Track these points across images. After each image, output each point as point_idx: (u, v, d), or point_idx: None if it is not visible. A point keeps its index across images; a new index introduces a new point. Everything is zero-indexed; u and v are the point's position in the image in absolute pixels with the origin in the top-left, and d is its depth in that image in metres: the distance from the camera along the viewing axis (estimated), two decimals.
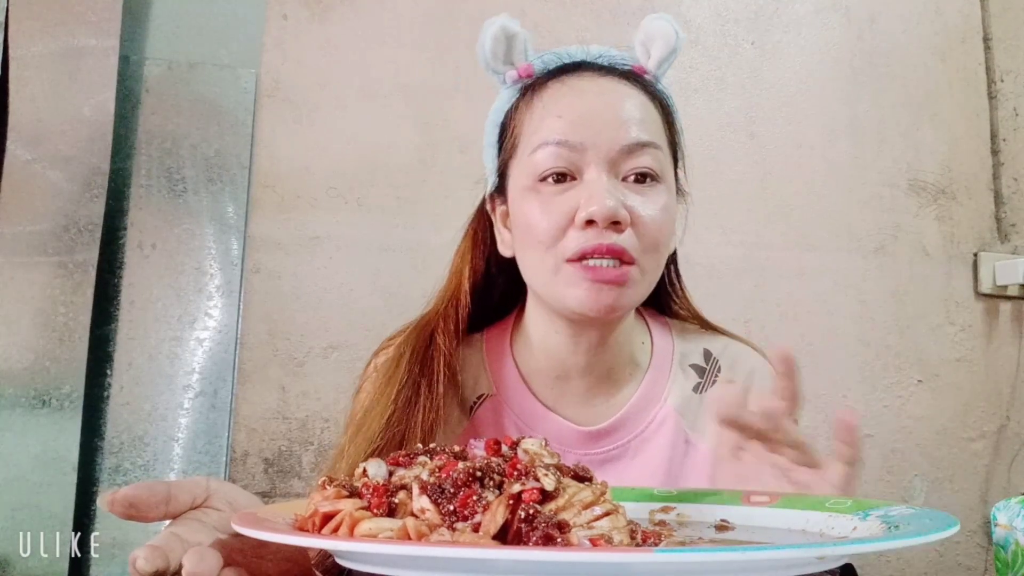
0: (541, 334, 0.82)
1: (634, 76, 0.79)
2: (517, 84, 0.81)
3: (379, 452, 0.72)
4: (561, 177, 0.74)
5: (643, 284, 0.76)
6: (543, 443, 0.49)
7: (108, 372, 1.35)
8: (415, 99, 1.57)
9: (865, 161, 1.79)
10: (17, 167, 1.29)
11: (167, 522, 0.49)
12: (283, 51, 1.53)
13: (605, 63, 0.79)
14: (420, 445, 0.51)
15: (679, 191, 0.82)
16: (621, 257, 0.72)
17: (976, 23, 1.89)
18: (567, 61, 0.80)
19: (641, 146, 0.74)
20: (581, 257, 0.72)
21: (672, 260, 0.88)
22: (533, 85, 0.79)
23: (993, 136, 1.87)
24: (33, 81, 1.31)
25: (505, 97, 0.82)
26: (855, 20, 1.83)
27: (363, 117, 1.54)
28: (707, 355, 0.87)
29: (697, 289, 0.94)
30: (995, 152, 1.87)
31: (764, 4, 1.78)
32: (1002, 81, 1.89)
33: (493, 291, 0.88)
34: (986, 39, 1.90)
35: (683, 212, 0.84)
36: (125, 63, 1.41)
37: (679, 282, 0.90)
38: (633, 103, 0.76)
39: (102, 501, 0.46)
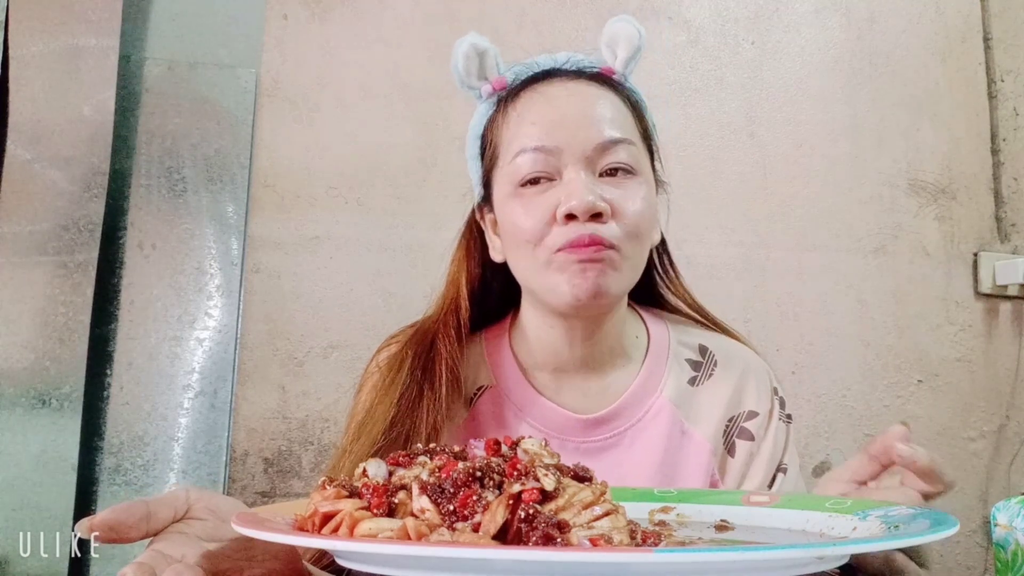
0: (537, 330, 0.84)
1: (603, 78, 0.82)
2: (492, 97, 0.84)
3: (381, 454, 0.73)
4: (541, 179, 0.76)
5: (626, 270, 0.77)
6: (543, 443, 0.49)
7: (108, 372, 1.35)
8: (415, 99, 1.57)
9: (865, 161, 1.79)
10: (17, 167, 1.29)
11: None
12: (283, 51, 1.53)
13: (574, 68, 0.82)
14: (420, 445, 0.51)
15: (657, 182, 0.84)
16: (602, 243, 0.74)
17: (976, 23, 1.89)
18: (537, 71, 0.83)
19: (614, 143, 0.76)
20: (568, 247, 0.74)
21: (664, 250, 0.90)
22: (507, 96, 0.82)
23: (993, 136, 1.87)
24: (33, 81, 1.31)
25: (483, 111, 0.85)
26: (855, 20, 1.83)
27: (363, 117, 1.54)
28: (703, 350, 0.89)
29: (697, 289, 0.94)
30: (995, 152, 1.87)
31: (764, 4, 1.78)
32: (1002, 81, 1.88)
33: (490, 295, 0.90)
34: (986, 39, 1.89)
35: (664, 202, 0.86)
36: (125, 63, 1.41)
37: (673, 270, 0.92)
38: (604, 103, 0.79)
39: (80, 528, 0.45)
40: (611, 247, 0.74)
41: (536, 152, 0.76)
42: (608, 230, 0.74)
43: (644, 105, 0.85)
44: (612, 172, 0.76)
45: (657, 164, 0.85)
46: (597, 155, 0.76)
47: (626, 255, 0.76)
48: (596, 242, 0.73)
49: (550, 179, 0.76)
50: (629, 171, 0.77)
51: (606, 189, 0.75)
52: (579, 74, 0.81)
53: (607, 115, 0.78)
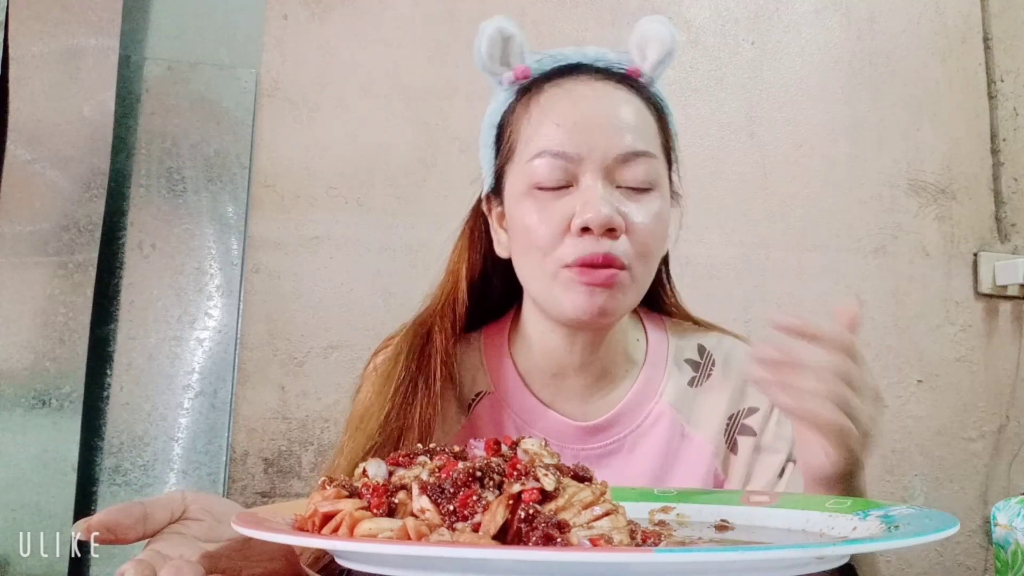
0: (538, 334, 0.83)
1: (629, 80, 0.80)
2: (514, 86, 0.81)
3: (377, 449, 0.73)
4: (559, 185, 0.75)
5: (633, 289, 0.77)
6: (543, 443, 0.49)
7: (108, 372, 1.35)
8: (415, 99, 1.57)
9: (865, 161, 1.79)
10: (17, 167, 1.29)
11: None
12: (283, 51, 1.53)
13: (601, 65, 0.80)
14: (420, 445, 0.51)
15: (673, 194, 0.83)
16: (613, 264, 0.73)
17: (976, 23, 1.89)
18: (563, 63, 0.80)
19: (636, 155, 0.75)
20: (578, 264, 0.73)
21: (663, 259, 0.89)
22: (530, 87, 0.80)
23: (993, 136, 1.87)
24: (33, 81, 1.31)
25: (502, 99, 0.83)
26: (855, 20, 1.83)
27: (363, 117, 1.54)
28: (701, 350, 0.88)
29: (697, 289, 0.94)
30: (995, 152, 1.87)
31: (764, 4, 1.78)
32: (1002, 81, 1.88)
33: (491, 290, 0.88)
34: (986, 39, 1.89)
35: (677, 214, 0.85)
36: (125, 63, 1.41)
37: (669, 282, 0.91)
38: (628, 109, 0.77)
39: (77, 530, 0.45)
40: (622, 268, 0.73)
41: (556, 158, 0.74)
42: (620, 247, 0.73)
43: (669, 112, 0.82)
44: (630, 186, 0.75)
45: (675, 175, 0.83)
46: (617, 165, 0.74)
47: (635, 275, 0.75)
48: (608, 263, 0.72)
49: (567, 185, 0.75)
50: (647, 186, 0.76)
51: (622, 201, 0.74)
52: (606, 73, 0.79)
53: (631, 123, 0.76)
